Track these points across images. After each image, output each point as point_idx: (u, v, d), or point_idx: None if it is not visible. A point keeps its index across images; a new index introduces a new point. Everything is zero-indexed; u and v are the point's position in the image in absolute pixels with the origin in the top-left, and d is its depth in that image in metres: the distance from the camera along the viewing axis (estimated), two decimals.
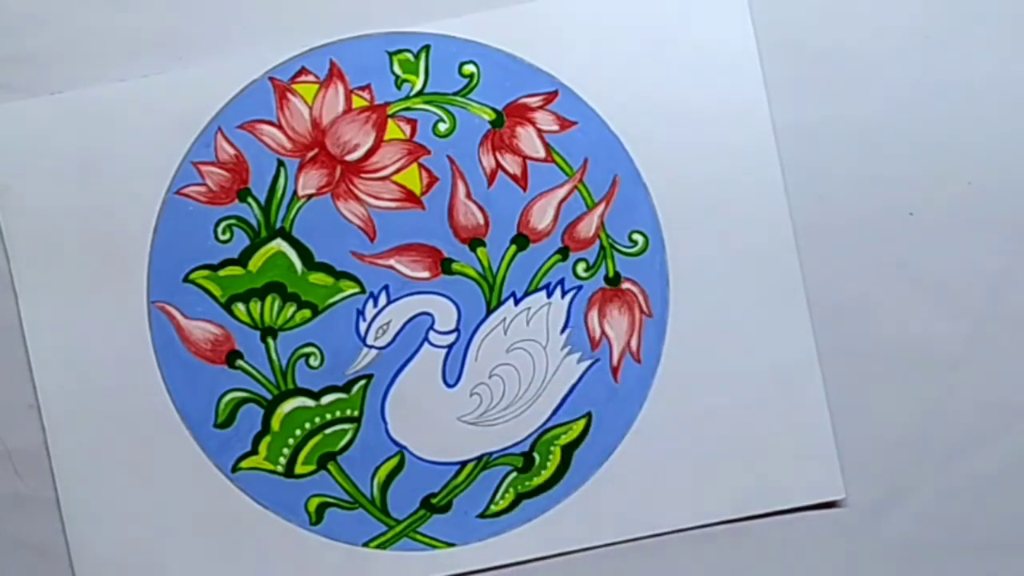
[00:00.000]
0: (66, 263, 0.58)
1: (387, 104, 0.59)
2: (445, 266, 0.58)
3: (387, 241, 0.58)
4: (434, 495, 0.58)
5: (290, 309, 0.58)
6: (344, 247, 0.58)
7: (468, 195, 0.58)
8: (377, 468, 0.58)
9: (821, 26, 0.59)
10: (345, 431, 0.58)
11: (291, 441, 0.58)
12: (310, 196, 0.58)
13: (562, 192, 0.59)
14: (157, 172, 0.58)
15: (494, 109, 0.59)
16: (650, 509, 0.58)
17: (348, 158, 0.58)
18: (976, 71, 0.59)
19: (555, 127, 0.59)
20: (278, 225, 0.58)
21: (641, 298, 0.59)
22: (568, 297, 0.59)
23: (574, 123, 0.59)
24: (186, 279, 0.58)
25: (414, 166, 0.58)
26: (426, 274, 0.58)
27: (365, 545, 0.58)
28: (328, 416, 0.58)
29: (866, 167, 0.59)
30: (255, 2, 0.59)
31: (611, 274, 0.59)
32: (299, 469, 0.58)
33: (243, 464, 0.58)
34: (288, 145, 0.58)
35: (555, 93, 0.59)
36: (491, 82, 0.59)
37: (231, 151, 0.58)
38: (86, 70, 0.58)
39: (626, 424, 0.58)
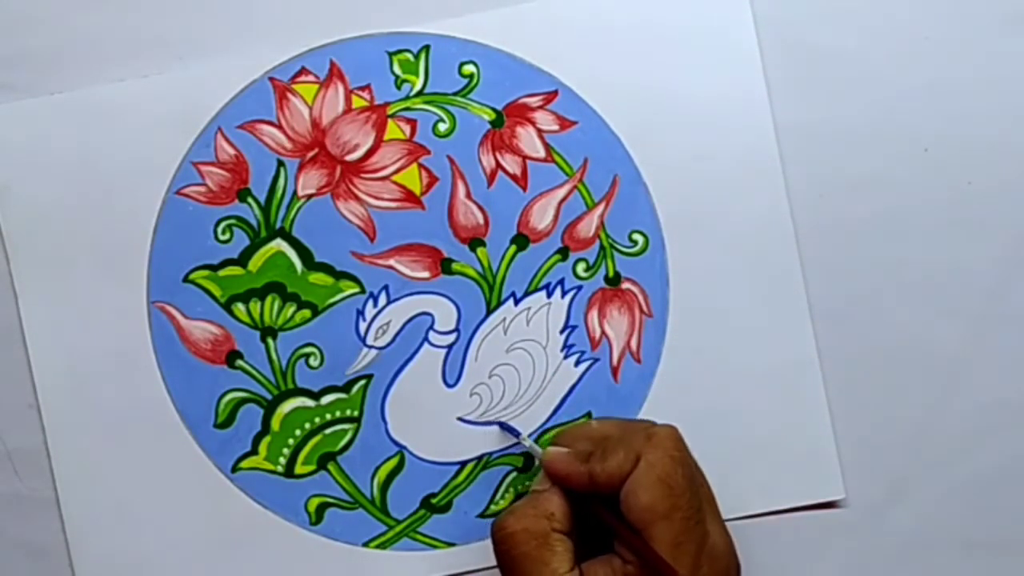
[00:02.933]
0: (66, 263, 0.58)
1: (387, 104, 0.59)
2: (445, 266, 0.58)
3: (387, 241, 0.58)
4: (434, 495, 0.58)
5: (290, 309, 0.58)
6: (344, 247, 0.58)
7: (468, 195, 0.58)
8: (377, 468, 0.58)
9: (822, 26, 0.59)
10: (345, 431, 0.58)
11: (291, 441, 0.58)
12: (310, 196, 0.58)
13: (562, 192, 0.59)
14: (157, 172, 0.58)
15: (494, 109, 0.59)
16: None
17: (348, 158, 0.58)
18: (976, 71, 0.59)
19: (555, 127, 0.59)
20: (278, 225, 0.58)
21: (641, 298, 0.59)
22: (568, 297, 0.59)
23: (574, 123, 0.59)
24: (186, 279, 0.58)
25: (414, 166, 0.59)
26: (426, 274, 0.58)
27: (365, 545, 0.58)
28: (328, 416, 0.58)
29: (866, 167, 0.59)
30: (255, 2, 0.59)
31: (611, 274, 0.59)
32: (299, 469, 0.58)
33: (243, 464, 0.58)
34: (288, 145, 0.58)
35: (555, 93, 0.59)
36: (491, 82, 0.59)
37: (231, 151, 0.58)
38: (86, 70, 0.58)
39: None
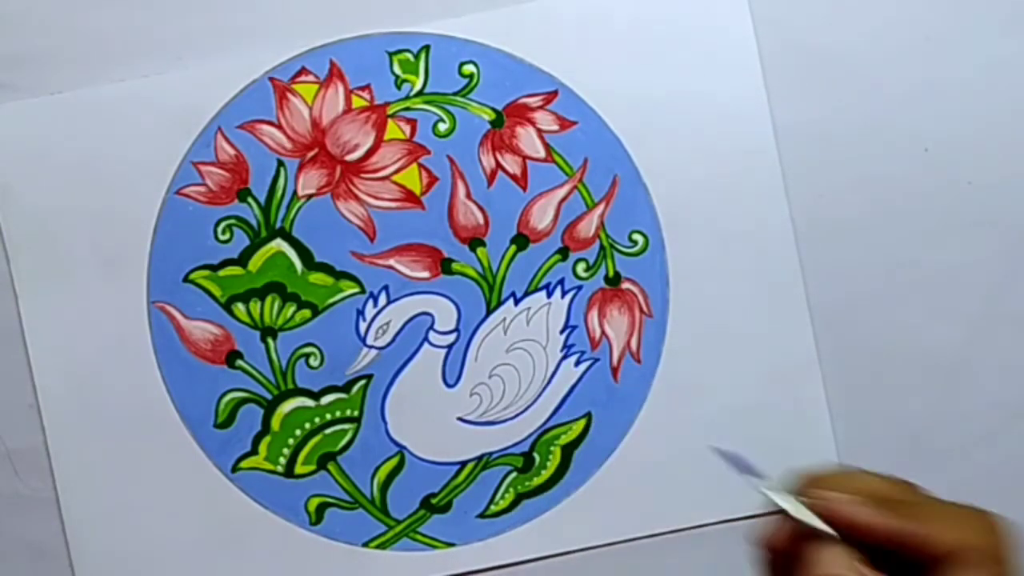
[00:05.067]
0: (66, 263, 0.58)
1: (387, 104, 0.59)
2: (445, 266, 0.58)
3: (387, 241, 0.58)
4: (434, 495, 0.58)
5: (290, 309, 0.58)
6: (344, 247, 0.58)
7: (468, 195, 0.58)
8: (377, 468, 0.58)
9: (822, 26, 0.59)
10: (345, 431, 0.58)
11: (291, 441, 0.58)
12: (310, 196, 0.58)
13: (562, 192, 0.59)
14: (157, 172, 0.58)
15: (494, 109, 0.59)
16: (649, 509, 0.58)
17: (348, 158, 0.58)
18: (976, 71, 0.59)
19: (555, 127, 0.59)
20: (278, 225, 0.58)
21: (641, 298, 0.59)
22: (568, 297, 0.59)
23: (574, 123, 0.59)
24: (186, 279, 0.58)
25: (414, 166, 0.59)
26: (426, 274, 0.58)
27: (365, 545, 0.58)
28: (328, 416, 0.58)
29: (866, 167, 0.59)
30: (255, 2, 0.59)
31: (611, 274, 0.59)
32: (299, 469, 0.58)
33: (243, 464, 0.58)
34: (288, 145, 0.58)
35: (555, 93, 0.59)
36: (491, 82, 0.59)
37: (231, 151, 0.58)
38: (86, 70, 0.58)
39: (626, 424, 0.58)
